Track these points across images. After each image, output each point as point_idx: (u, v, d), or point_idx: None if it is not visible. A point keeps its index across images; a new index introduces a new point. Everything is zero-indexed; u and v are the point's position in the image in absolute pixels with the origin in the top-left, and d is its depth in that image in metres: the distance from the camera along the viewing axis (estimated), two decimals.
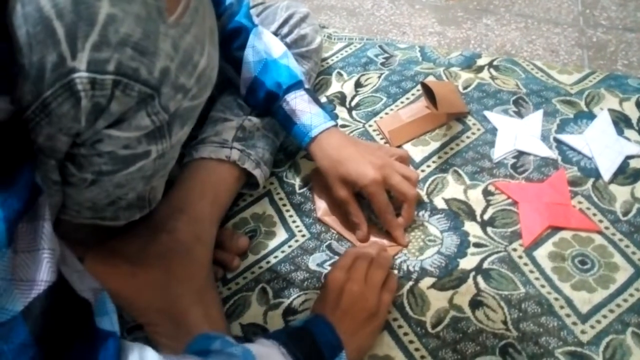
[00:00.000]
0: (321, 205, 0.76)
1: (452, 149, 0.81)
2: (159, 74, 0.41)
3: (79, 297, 0.38)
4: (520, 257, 0.69)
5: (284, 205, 0.78)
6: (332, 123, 0.73)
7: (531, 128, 0.82)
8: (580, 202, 0.73)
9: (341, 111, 0.88)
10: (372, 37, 1.06)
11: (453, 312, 0.65)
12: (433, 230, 0.72)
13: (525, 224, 0.71)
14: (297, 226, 0.75)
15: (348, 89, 0.91)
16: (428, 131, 0.83)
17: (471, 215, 0.73)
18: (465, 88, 0.89)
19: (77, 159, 0.46)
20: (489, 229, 0.72)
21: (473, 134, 0.82)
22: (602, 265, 0.67)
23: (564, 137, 0.80)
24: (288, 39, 0.83)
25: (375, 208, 0.71)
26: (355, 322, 0.59)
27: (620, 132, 0.80)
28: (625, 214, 0.72)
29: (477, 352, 0.61)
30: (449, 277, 0.68)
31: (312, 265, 0.71)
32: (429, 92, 0.79)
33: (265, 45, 0.75)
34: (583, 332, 0.62)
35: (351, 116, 0.87)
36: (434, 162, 0.80)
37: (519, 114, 0.84)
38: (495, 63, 0.93)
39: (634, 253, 0.68)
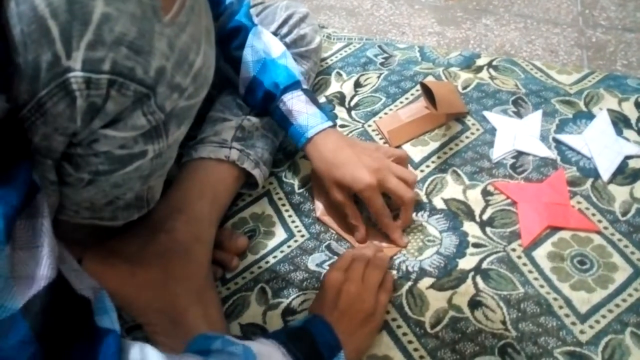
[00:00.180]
0: (320, 205, 0.76)
1: (451, 149, 0.81)
2: (155, 73, 0.41)
3: (78, 295, 0.38)
4: (519, 257, 0.69)
5: (283, 205, 0.78)
6: (329, 124, 0.73)
7: (530, 128, 0.82)
8: (579, 202, 0.73)
9: (340, 111, 0.88)
10: (372, 37, 1.06)
11: (452, 312, 0.65)
12: (432, 230, 0.72)
13: (524, 224, 0.71)
14: (296, 226, 0.75)
15: (347, 89, 0.91)
16: (427, 131, 0.83)
17: (470, 215, 0.73)
18: (464, 88, 0.89)
19: (73, 159, 0.46)
20: (488, 229, 0.72)
21: (472, 134, 0.82)
22: (601, 265, 0.67)
23: (563, 137, 0.80)
24: (287, 39, 0.83)
25: (371, 212, 0.71)
26: (353, 323, 0.59)
27: (619, 132, 0.80)
28: (624, 214, 0.72)
29: (476, 352, 0.61)
30: (447, 277, 0.68)
31: (311, 266, 0.71)
32: (428, 92, 0.79)
33: (265, 45, 0.75)
34: (582, 332, 0.62)
35: (350, 116, 0.87)
36: (433, 162, 0.80)
37: (518, 114, 0.84)
38: (494, 63, 0.93)
39: (632, 253, 0.68)
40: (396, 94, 0.89)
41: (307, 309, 0.66)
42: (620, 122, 0.82)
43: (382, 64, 0.95)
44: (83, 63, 0.38)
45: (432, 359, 0.61)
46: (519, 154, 0.79)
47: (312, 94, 0.76)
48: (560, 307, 0.64)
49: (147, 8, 0.40)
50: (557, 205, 0.73)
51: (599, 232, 0.70)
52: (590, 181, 0.75)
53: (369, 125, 0.86)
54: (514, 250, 0.69)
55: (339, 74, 0.94)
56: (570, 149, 0.79)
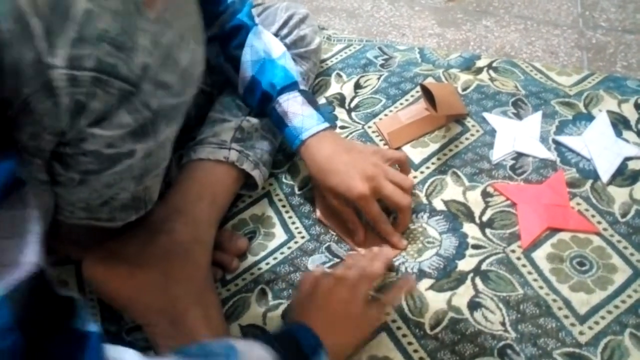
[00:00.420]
0: (320, 207, 0.76)
1: (451, 150, 0.81)
2: (139, 70, 0.41)
3: (61, 294, 0.38)
4: (518, 258, 0.69)
5: (283, 206, 0.78)
6: (325, 125, 0.72)
7: (530, 129, 0.82)
8: (578, 204, 0.73)
9: (340, 112, 0.88)
10: (372, 38, 1.06)
11: (451, 314, 0.65)
12: (432, 232, 0.73)
13: (523, 225, 0.71)
14: (296, 227, 0.75)
15: (347, 90, 0.91)
16: (427, 133, 0.83)
17: (470, 216, 0.73)
18: (464, 90, 0.89)
19: (63, 159, 0.45)
20: (488, 231, 0.72)
21: (472, 135, 0.83)
22: (600, 266, 0.67)
23: (562, 139, 0.80)
24: (287, 40, 0.83)
25: (368, 219, 0.71)
26: (338, 326, 0.58)
27: (618, 134, 0.80)
28: (623, 215, 0.72)
29: (475, 353, 0.61)
30: (447, 278, 0.68)
31: (312, 267, 0.71)
32: (428, 94, 0.79)
33: (265, 45, 0.75)
34: (581, 333, 0.62)
35: (350, 117, 0.88)
36: (433, 163, 0.80)
37: (518, 116, 0.84)
38: (494, 65, 0.93)
39: (632, 254, 0.68)
40: (396, 96, 0.89)
41: None
42: (619, 123, 0.82)
43: (382, 65, 0.95)
44: (66, 60, 0.38)
45: None
46: (519, 156, 0.79)
47: (309, 95, 0.75)
48: (560, 309, 0.64)
49: (129, 4, 0.40)
50: (557, 207, 0.73)
51: (598, 234, 0.70)
52: (589, 183, 0.75)
53: (369, 127, 0.86)
54: (513, 251, 0.70)
55: (339, 75, 0.94)
56: (570, 150, 0.79)
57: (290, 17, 0.84)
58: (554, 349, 0.61)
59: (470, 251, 0.70)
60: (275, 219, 0.77)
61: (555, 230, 0.71)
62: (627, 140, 0.79)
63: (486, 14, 1.12)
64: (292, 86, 0.73)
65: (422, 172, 0.79)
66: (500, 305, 0.65)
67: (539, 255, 0.69)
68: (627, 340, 0.61)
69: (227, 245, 0.72)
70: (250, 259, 0.73)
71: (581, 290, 0.66)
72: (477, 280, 0.67)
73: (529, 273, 0.67)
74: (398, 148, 0.82)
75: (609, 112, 0.83)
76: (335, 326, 0.58)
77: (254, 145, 0.75)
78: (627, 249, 0.69)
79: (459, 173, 0.78)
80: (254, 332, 0.66)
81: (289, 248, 0.73)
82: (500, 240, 0.71)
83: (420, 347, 0.63)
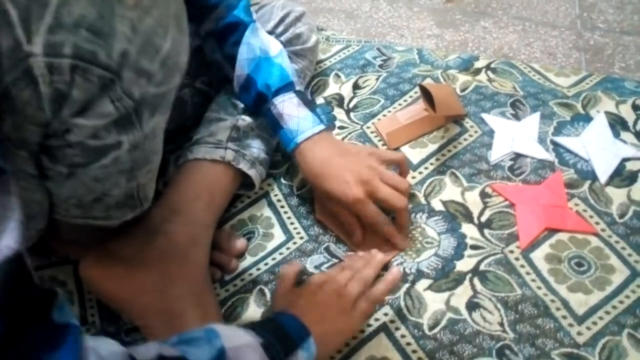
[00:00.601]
0: (319, 207, 0.76)
1: (449, 151, 0.81)
2: (118, 57, 0.41)
3: (41, 287, 0.38)
4: (517, 259, 0.69)
5: (282, 207, 0.78)
6: (320, 128, 0.71)
7: (528, 130, 0.82)
8: (576, 204, 0.73)
9: (339, 113, 0.88)
10: (370, 39, 1.06)
11: (450, 314, 0.65)
12: (430, 232, 0.73)
13: (522, 226, 0.72)
14: (295, 228, 0.75)
15: (346, 90, 0.91)
16: (426, 133, 0.83)
17: (468, 217, 0.74)
18: (462, 90, 0.89)
19: (50, 151, 0.45)
20: (486, 231, 0.72)
21: (470, 136, 0.83)
22: (598, 267, 0.67)
23: (560, 140, 0.81)
24: (283, 38, 0.83)
25: (366, 224, 0.70)
26: (326, 318, 0.58)
27: (616, 135, 0.80)
28: (621, 216, 0.72)
29: (474, 353, 0.62)
30: (445, 279, 0.68)
31: (310, 268, 0.71)
32: (427, 95, 0.79)
33: (262, 42, 0.75)
34: (579, 333, 0.62)
35: (349, 118, 0.88)
36: (431, 164, 0.80)
37: (516, 117, 0.84)
38: (492, 66, 0.94)
39: (630, 255, 0.68)
40: (395, 96, 0.89)
41: None
42: (617, 124, 0.82)
43: (380, 66, 0.95)
44: (44, 48, 0.38)
45: None
46: (517, 156, 0.80)
47: (305, 96, 0.75)
48: (558, 309, 0.64)
49: None
50: (555, 208, 0.73)
51: (596, 234, 0.70)
52: (587, 183, 0.75)
53: (368, 127, 0.86)
54: (511, 252, 0.70)
55: (338, 76, 0.94)
56: (568, 151, 0.79)
57: (286, 15, 0.84)
58: (552, 349, 0.61)
59: (468, 252, 0.70)
60: (274, 220, 0.77)
61: (553, 231, 0.71)
62: (624, 141, 0.80)
63: (484, 15, 1.12)
64: (287, 87, 0.73)
65: (420, 173, 0.79)
66: (499, 305, 0.65)
67: (537, 255, 0.69)
68: (625, 341, 0.61)
69: (225, 245, 0.72)
70: (249, 260, 0.73)
71: (579, 290, 0.66)
72: (476, 281, 0.67)
73: (527, 273, 0.68)
74: (397, 148, 0.82)
75: (607, 113, 0.83)
76: (324, 317, 0.58)
77: (250, 145, 0.75)
78: (625, 250, 0.69)
79: (458, 174, 0.78)
80: None
81: (288, 249, 0.73)
82: (498, 240, 0.71)
83: (418, 348, 0.63)
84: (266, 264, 0.72)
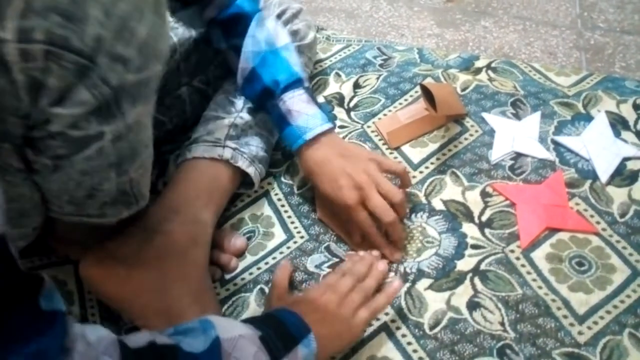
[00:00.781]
0: (320, 206, 0.76)
1: (450, 150, 0.81)
2: (92, 41, 0.40)
3: (26, 272, 0.38)
4: (517, 258, 0.69)
5: (282, 206, 0.78)
6: (328, 126, 0.71)
7: (529, 130, 0.82)
8: (577, 204, 0.73)
9: (339, 112, 0.88)
10: (371, 39, 1.06)
11: (450, 314, 0.65)
12: (431, 231, 0.73)
13: (522, 225, 0.72)
14: (295, 227, 0.75)
15: (346, 90, 0.91)
16: (426, 132, 0.83)
17: (469, 216, 0.73)
18: (463, 90, 0.89)
19: (33, 143, 0.45)
20: (487, 231, 0.72)
21: (471, 135, 0.83)
22: (599, 266, 0.67)
23: (561, 139, 0.81)
24: None
25: (360, 228, 0.70)
26: (326, 325, 0.57)
27: (617, 134, 0.80)
28: (622, 215, 0.72)
29: (474, 353, 0.61)
30: (446, 278, 0.68)
31: (311, 267, 0.71)
32: (427, 94, 0.79)
33: (268, 34, 0.73)
34: (580, 333, 0.62)
35: (349, 117, 0.88)
36: (432, 163, 0.80)
37: (517, 116, 0.84)
38: (493, 65, 0.94)
39: (630, 254, 0.68)
40: (395, 96, 0.89)
41: None
42: (618, 123, 0.82)
43: (381, 65, 0.95)
44: (15, 33, 0.37)
45: None
46: (518, 156, 0.79)
47: (311, 93, 0.74)
48: (559, 309, 0.64)
49: None
50: (556, 207, 0.73)
51: (597, 234, 0.70)
52: (588, 183, 0.75)
53: (368, 127, 0.86)
54: (512, 251, 0.70)
55: (338, 75, 0.94)
56: (569, 150, 0.79)
57: (283, 12, 0.83)
58: (552, 348, 0.61)
59: (469, 251, 0.70)
60: (274, 219, 0.77)
61: (554, 230, 0.71)
62: (625, 141, 0.79)
63: (485, 15, 1.12)
64: (296, 83, 0.72)
65: (421, 172, 0.79)
66: (499, 305, 0.65)
67: (538, 255, 0.69)
68: (626, 340, 0.61)
69: (226, 244, 0.72)
70: (250, 259, 0.73)
71: (580, 290, 0.66)
72: (476, 280, 0.67)
73: (528, 273, 0.67)
74: (397, 148, 0.82)
75: (608, 113, 0.83)
76: (324, 319, 0.58)
77: (248, 142, 0.75)
78: (625, 249, 0.69)
79: (458, 173, 0.78)
80: None
81: (288, 248, 0.73)
82: (499, 240, 0.71)
83: (419, 347, 0.63)
84: (267, 263, 0.72)
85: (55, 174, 0.47)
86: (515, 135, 0.81)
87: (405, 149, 0.82)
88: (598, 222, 0.71)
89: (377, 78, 0.92)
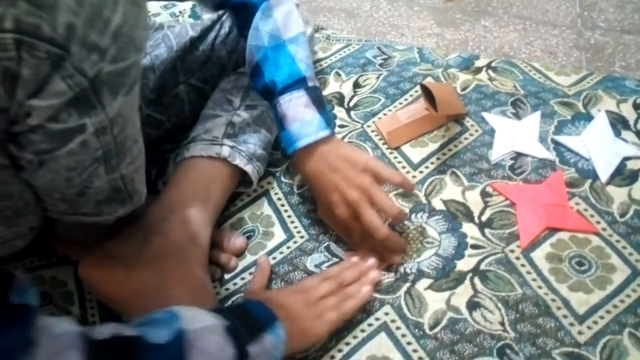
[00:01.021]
0: (320, 205, 0.76)
1: (450, 150, 0.81)
2: (64, 30, 0.39)
3: None
4: (517, 258, 0.69)
5: (282, 205, 0.78)
6: (322, 134, 0.68)
7: (529, 129, 0.82)
8: (577, 204, 0.73)
9: (339, 111, 0.88)
10: (371, 38, 1.06)
11: (450, 314, 0.65)
12: (431, 231, 0.72)
13: (522, 225, 0.71)
14: (295, 227, 0.75)
15: (346, 89, 0.91)
16: (426, 132, 0.83)
17: (469, 216, 0.73)
18: (463, 89, 0.89)
19: (16, 138, 0.44)
20: (487, 231, 0.72)
21: (471, 135, 0.83)
22: (599, 266, 0.67)
23: (561, 139, 0.80)
24: None
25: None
26: (290, 309, 0.58)
27: (617, 134, 0.80)
28: (622, 215, 0.72)
29: (474, 353, 0.61)
30: (446, 278, 0.68)
31: (310, 267, 0.71)
32: (427, 94, 0.79)
33: (274, 25, 0.71)
34: (580, 332, 0.62)
35: (349, 116, 0.88)
36: (432, 163, 0.80)
37: (517, 116, 0.84)
38: (493, 64, 0.93)
39: (630, 254, 0.68)
40: (395, 95, 0.89)
41: None
42: (618, 123, 0.82)
43: (381, 65, 0.95)
44: None
45: None
46: (518, 155, 0.79)
47: (316, 93, 0.70)
48: (559, 308, 0.64)
49: None
50: (556, 207, 0.73)
51: (597, 234, 0.70)
52: (588, 182, 0.75)
53: (368, 126, 0.86)
54: (512, 251, 0.70)
55: (338, 74, 0.94)
56: (569, 150, 0.79)
57: None
58: (552, 348, 0.61)
59: (469, 251, 0.70)
60: (274, 218, 0.76)
61: (554, 230, 0.71)
62: (625, 140, 0.79)
63: (485, 14, 1.12)
64: (296, 84, 0.69)
65: (421, 172, 0.79)
66: (499, 305, 0.65)
67: (538, 255, 0.69)
68: (626, 340, 0.61)
69: (225, 244, 0.72)
70: (249, 258, 0.73)
71: (580, 290, 0.66)
72: (476, 280, 0.67)
73: (528, 273, 0.67)
74: (397, 147, 0.82)
75: (608, 112, 0.83)
76: (288, 317, 0.57)
77: (246, 140, 0.74)
78: (625, 249, 0.69)
79: (458, 173, 0.78)
80: None
81: (288, 247, 0.73)
82: (499, 240, 0.71)
83: (419, 347, 0.63)
84: None
85: (41, 170, 0.46)
86: (516, 135, 0.81)
87: (405, 148, 0.82)
88: (598, 222, 0.71)
89: (377, 77, 0.92)
